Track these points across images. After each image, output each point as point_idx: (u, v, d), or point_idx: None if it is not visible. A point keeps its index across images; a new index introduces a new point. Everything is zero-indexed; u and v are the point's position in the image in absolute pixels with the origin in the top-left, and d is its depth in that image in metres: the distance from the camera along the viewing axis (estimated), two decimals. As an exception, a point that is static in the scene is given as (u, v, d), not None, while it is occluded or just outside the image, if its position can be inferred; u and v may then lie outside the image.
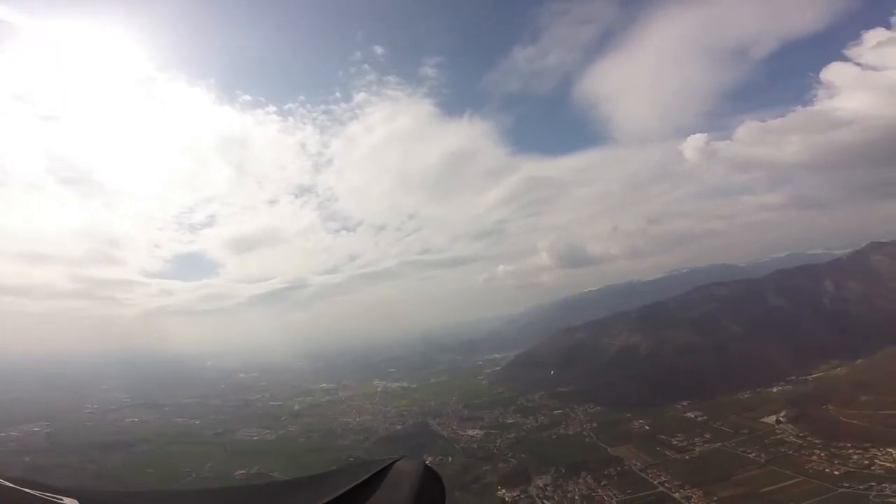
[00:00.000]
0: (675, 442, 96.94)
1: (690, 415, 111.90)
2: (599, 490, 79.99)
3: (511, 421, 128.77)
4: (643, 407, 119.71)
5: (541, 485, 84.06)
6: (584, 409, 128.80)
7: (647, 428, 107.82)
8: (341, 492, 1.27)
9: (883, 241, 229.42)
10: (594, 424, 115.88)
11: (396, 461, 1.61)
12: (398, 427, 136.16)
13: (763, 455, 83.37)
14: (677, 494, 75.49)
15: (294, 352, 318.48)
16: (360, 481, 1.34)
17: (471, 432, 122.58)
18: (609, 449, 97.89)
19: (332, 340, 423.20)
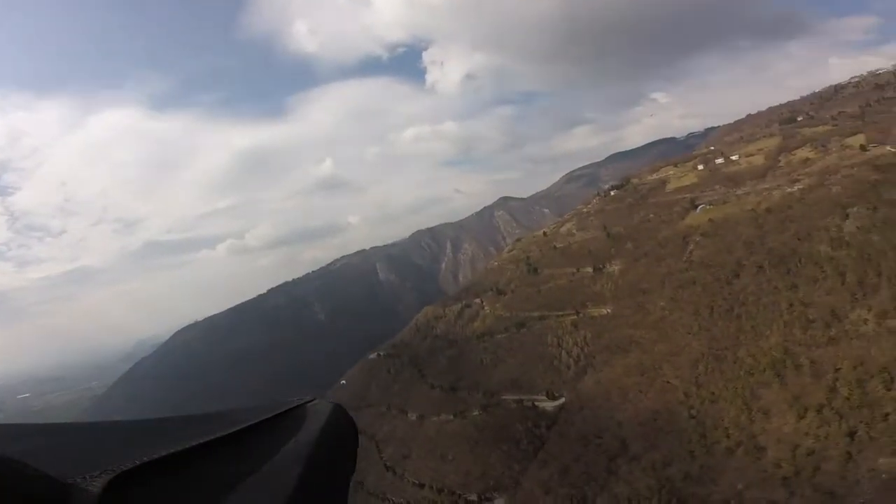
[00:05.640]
0: None
1: None
2: None
3: None
4: None
5: None
6: None
7: None
8: (246, 425, 1.16)
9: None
10: None
11: (309, 402, 1.48)
12: None
13: None
14: None
15: None
16: (267, 416, 1.24)
17: None
18: None
19: None
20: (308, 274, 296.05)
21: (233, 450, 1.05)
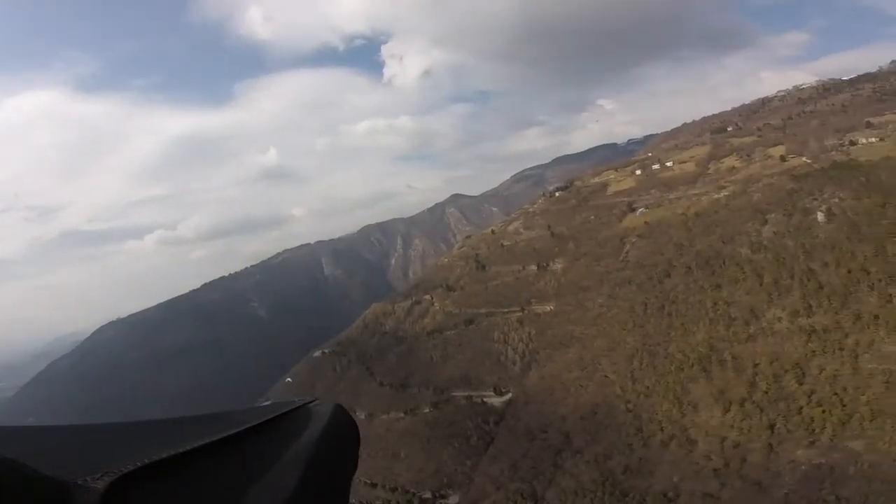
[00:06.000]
0: None
1: None
2: None
3: None
4: None
5: None
6: None
7: None
8: (247, 426, 1.17)
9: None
10: None
11: (309, 403, 1.47)
12: None
13: None
14: None
15: None
16: (268, 418, 1.26)
17: None
18: None
19: None
20: (247, 268, 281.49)
21: (234, 451, 1.06)
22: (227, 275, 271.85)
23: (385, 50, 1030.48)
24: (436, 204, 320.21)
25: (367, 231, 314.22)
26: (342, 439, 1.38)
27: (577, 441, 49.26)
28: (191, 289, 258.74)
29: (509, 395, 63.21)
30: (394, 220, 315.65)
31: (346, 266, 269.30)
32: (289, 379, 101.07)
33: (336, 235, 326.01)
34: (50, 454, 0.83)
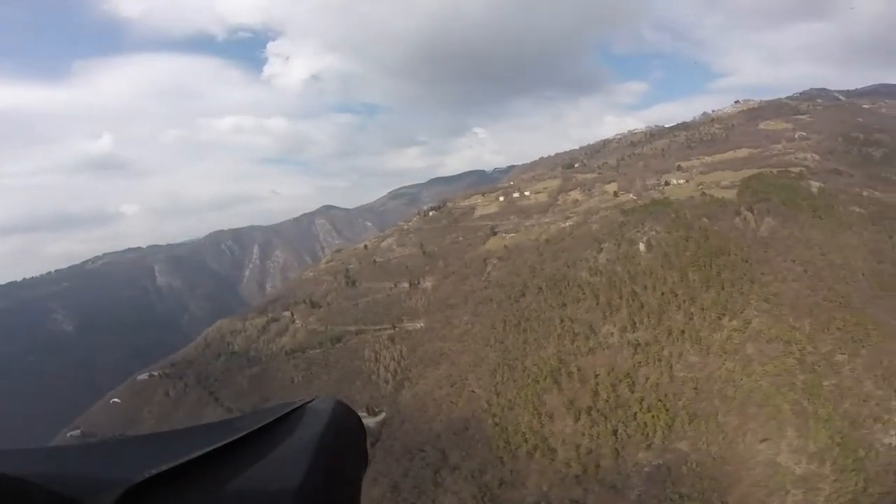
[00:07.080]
0: None
1: None
2: None
3: None
4: None
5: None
6: None
7: None
8: (248, 431, 1.17)
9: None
10: None
11: (310, 402, 1.44)
12: None
13: None
14: None
15: None
16: (269, 421, 1.26)
17: None
18: None
19: None
20: (51, 273, 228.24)
21: (239, 456, 1.08)
22: (19, 280, 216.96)
23: (272, 47, 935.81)
24: (304, 214, 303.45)
25: (216, 237, 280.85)
26: (345, 435, 1.37)
27: (453, 457, 50.01)
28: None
29: (383, 414, 61.64)
30: (251, 228, 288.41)
31: (187, 275, 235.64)
32: (116, 400, 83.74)
33: (177, 240, 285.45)
34: (62, 472, 0.85)
